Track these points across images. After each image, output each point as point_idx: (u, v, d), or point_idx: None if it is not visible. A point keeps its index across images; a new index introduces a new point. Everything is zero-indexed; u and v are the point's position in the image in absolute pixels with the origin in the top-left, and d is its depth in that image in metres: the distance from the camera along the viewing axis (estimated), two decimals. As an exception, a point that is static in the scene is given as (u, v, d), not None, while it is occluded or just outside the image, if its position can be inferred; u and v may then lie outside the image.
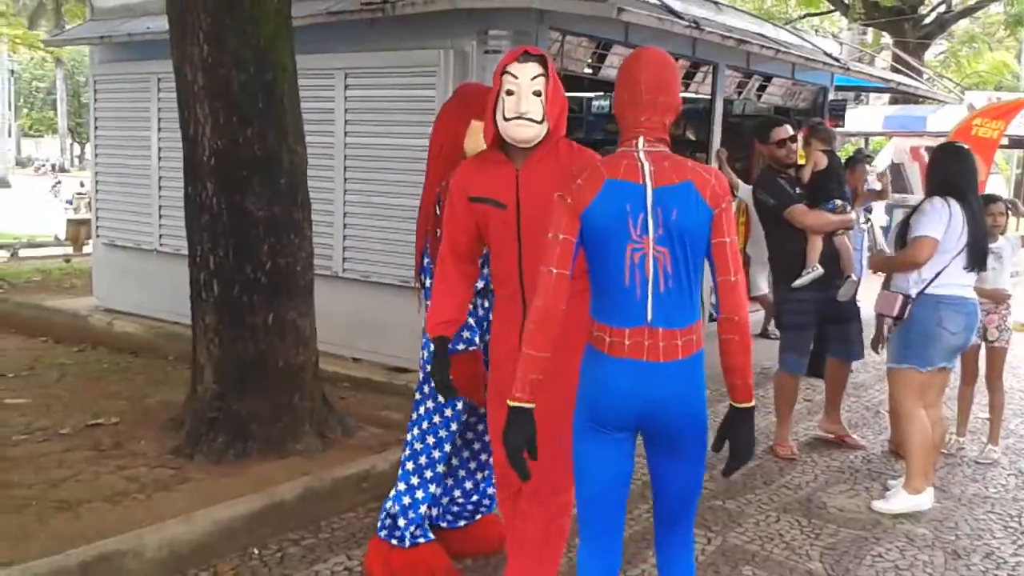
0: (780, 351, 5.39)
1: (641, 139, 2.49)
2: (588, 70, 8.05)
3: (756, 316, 8.95)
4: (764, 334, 8.54)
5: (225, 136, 4.44)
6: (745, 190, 7.91)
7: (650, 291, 2.44)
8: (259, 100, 4.46)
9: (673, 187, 2.43)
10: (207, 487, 4.06)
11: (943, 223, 4.37)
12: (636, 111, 2.50)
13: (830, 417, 5.62)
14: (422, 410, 3.46)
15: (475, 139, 3.36)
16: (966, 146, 5.04)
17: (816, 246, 5.15)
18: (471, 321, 3.31)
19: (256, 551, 3.70)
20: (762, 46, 7.54)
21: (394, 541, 3.44)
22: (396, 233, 6.18)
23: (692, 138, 11.53)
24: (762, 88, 9.57)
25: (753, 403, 2.52)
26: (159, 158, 7.52)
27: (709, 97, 8.56)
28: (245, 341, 4.48)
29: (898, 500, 4.46)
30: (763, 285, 8.46)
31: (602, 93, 11.67)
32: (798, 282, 5.12)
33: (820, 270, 5.12)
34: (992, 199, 5.24)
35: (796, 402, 5.49)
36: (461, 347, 3.24)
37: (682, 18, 6.29)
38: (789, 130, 5.65)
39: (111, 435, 4.78)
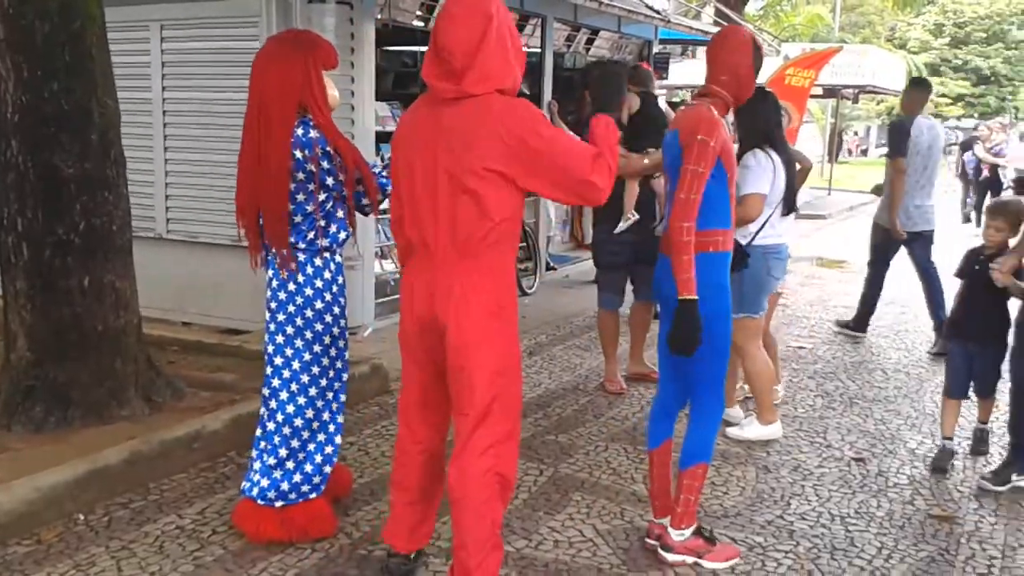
0: (598, 291, 5.61)
1: (708, 100, 3.29)
2: (419, 22, 8.02)
3: (588, 264, 9.23)
4: (597, 280, 8.83)
5: (30, 91, 4.20)
6: (576, 141, 8.11)
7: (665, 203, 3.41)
8: (65, 52, 4.24)
9: (673, 131, 3.29)
10: (27, 456, 3.90)
11: (769, 177, 4.47)
12: (715, 83, 3.33)
13: (634, 358, 5.81)
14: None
15: (333, 91, 3.35)
16: (769, 88, 5.22)
17: (632, 191, 5.24)
18: None
19: (82, 516, 3.60)
20: (586, -2, 7.72)
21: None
22: (225, 190, 6.01)
23: (526, 91, 11.67)
24: (590, 41, 9.81)
25: (687, 296, 3.06)
26: (-41, 119, 7.02)
27: (539, 50, 8.69)
28: (60, 306, 4.29)
29: (752, 429, 4.76)
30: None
31: (435, 47, 11.64)
32: (618, 228, 5.26)
33: (635, 216, 5.24)
34: None
35: (619, 340, 5.69)
36: None
37: (505, -31, 6.34)
38: None
39: (-83, 412, 4.50)
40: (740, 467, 4.35)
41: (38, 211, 4.25)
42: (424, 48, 10.90)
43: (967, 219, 15.14)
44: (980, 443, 4.66)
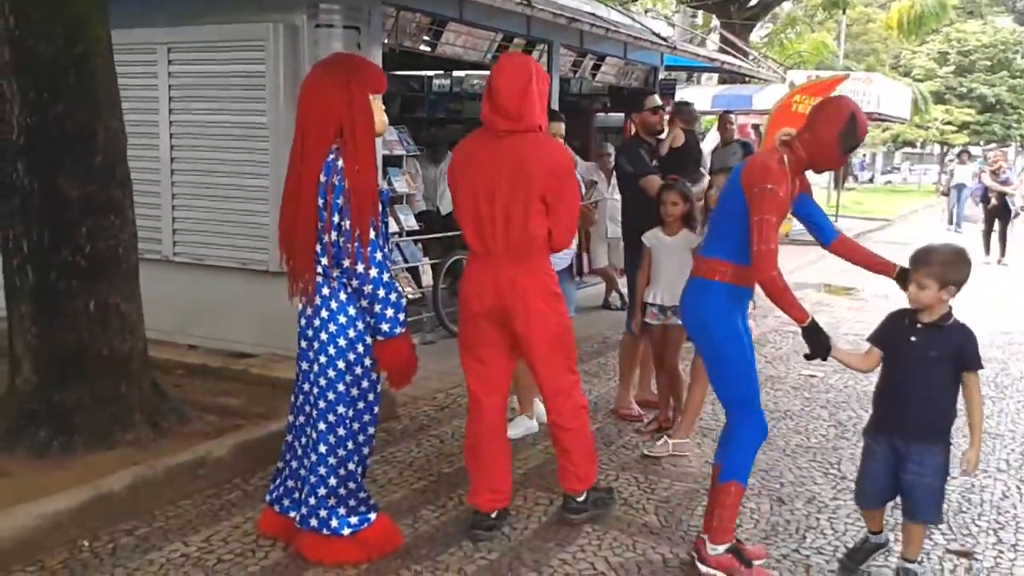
0: (629, 314, 5.52)
1: (786, 150, 3.41)
2: (426, 47, 8.03)
3: (597, 288, 9.19)
4: (606, 305, 8.79)
5: (35, 113, 4.18)
6: (583, 167, 8.10)
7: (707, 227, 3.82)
8: (70, 74, 4.23)
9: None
10: (30, 481, 3.83)
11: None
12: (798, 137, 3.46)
13: (642, 385, 5.71)
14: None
15: (381, 115, 3.33)
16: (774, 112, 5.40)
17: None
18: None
19: (86, 543, 3.54)
20: (593, 25, 7.73)
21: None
22: (232, 213, 6.00)
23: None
24: (596, 67, 9.79)
25: (804, 323, 3.26)
26: (-34, 141, 7.01)
27: (545, 75, 8.68)
28: (65, 329, 4.24)
29: (521, 424, 5.05)
30: (603, 259, 8.70)
31: (442, 72, 11.63)
32: None
33: None
34: (667, 186, 5.06)
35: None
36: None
37: (515, -5, 6.37)
38: (658, 100, 5.94)
39: (-81, 436, 4.44)
40: (754, 498, 4.26)
41: (44, 233, 4.23)
42: (431, 72, 10.94)
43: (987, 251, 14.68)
44: None
